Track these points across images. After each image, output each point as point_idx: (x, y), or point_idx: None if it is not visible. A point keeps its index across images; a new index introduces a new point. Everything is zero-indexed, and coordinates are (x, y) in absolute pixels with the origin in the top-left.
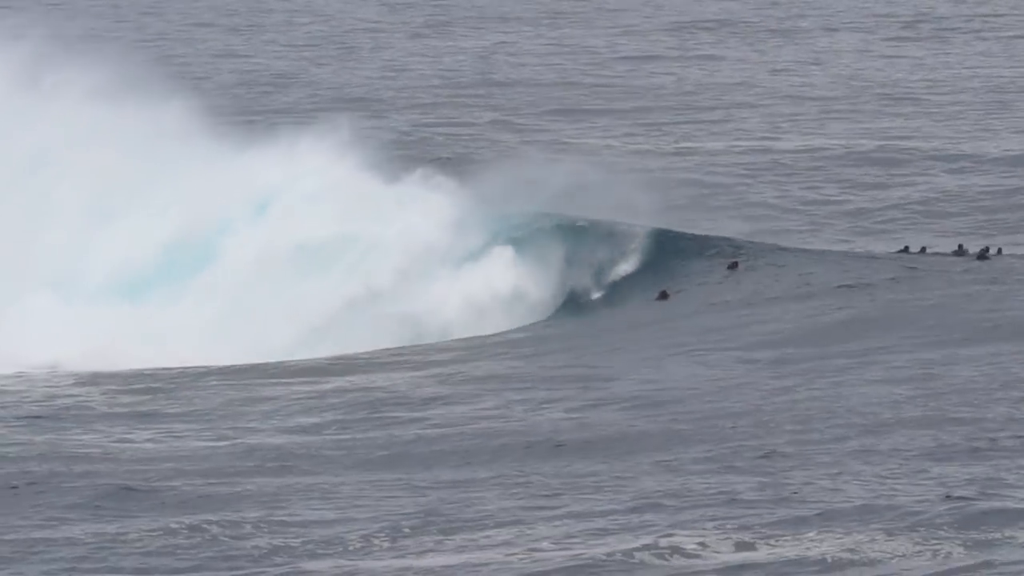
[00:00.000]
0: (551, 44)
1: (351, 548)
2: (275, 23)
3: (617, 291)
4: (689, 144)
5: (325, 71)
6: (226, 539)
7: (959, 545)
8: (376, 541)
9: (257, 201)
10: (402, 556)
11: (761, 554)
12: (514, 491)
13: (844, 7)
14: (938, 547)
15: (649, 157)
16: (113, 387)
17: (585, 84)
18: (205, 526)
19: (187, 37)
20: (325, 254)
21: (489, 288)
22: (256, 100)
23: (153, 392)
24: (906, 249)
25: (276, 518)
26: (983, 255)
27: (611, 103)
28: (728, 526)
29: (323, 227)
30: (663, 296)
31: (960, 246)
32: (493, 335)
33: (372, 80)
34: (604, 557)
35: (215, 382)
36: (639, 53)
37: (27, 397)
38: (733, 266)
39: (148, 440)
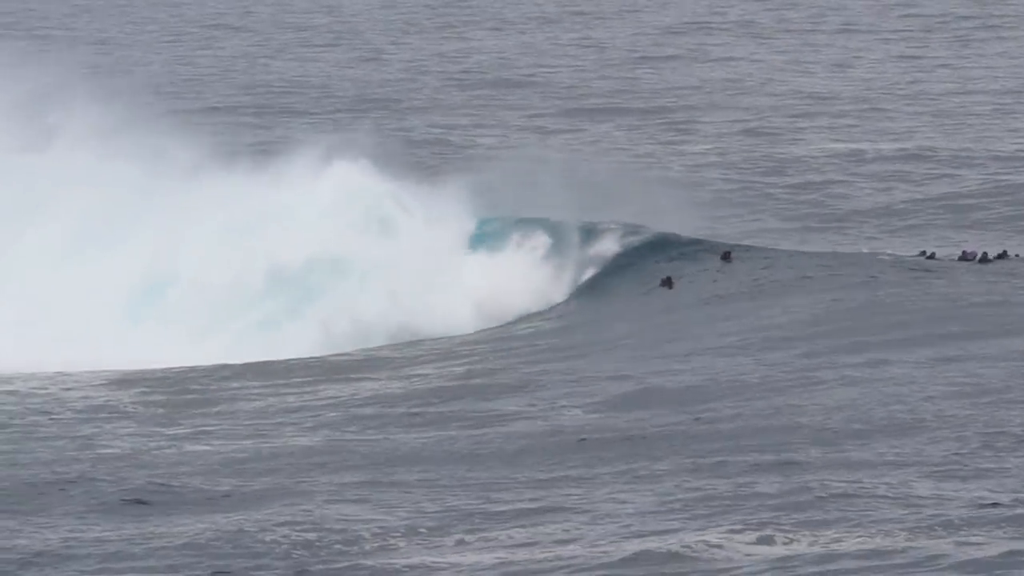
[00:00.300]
0: (570, 45)
1: (376, 547)
2: (293, 24)
3: (626, 285)
4: (707, 146)
5: (342, 72)
6: (254, 537)
7: (984, 544)
8: (401, 540)
9: (260, 222)
10: (427, 555)
11: (784, 553)
12: (538, 490)
13: (862, 8)
14: (963, 547)
15: (666, 157)
16: (142, 387)
17: (603, 84)
18: (233, 525)
19: (207, 36)
20: (327, 273)
21: (498, 292)
22: (274, 101)
23: (181, 392)
24: (923, 253)
25: (302, 517)
26: (985, 259)
27: (630, 103)
28: (753, 524)
29: (325, 246)
30: (667, 283)
31: (964, 252)
32: (507, 327)
33: (390, 81)
34: (632, 556)
35: (244, 381)
36: (660, 53)
37: (56, 398)
38: (726, 256)
39: (177, 440)
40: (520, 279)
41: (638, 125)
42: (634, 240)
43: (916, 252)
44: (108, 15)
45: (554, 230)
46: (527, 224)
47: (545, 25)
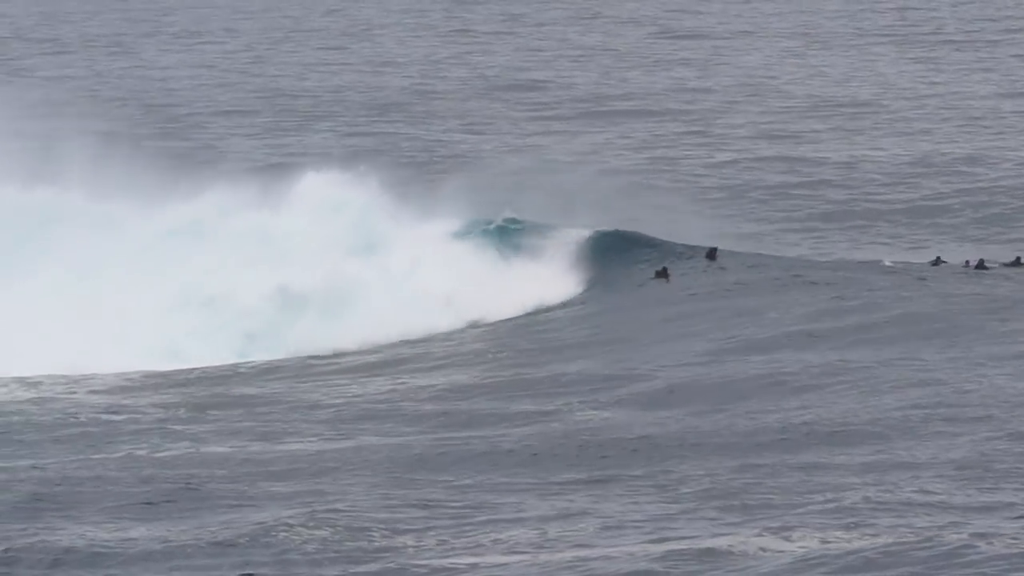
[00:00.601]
0: (584, 48)
1: (396, 546)
2: (305, 28)
3: (622, 282)
4: (718, 149)
5: (354, 76)
6: (277, 536)
7: (996, 537)
8: (422, 540)
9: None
10: (447, 556)
11: (806, 552)
12: (555, 493)
13: (877, 12)
14: (983, 544)
15: (678, 161)
16: (164, 389)
17: (617, 87)
18: (256, 525)
19: (219, 39)
20: (330, 295)
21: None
22: (287, 105)
23: (202, 393)
24: (937, 259)
25: (324, 517)
26: (982, 266)
27: (641, 106)
28: (775, 526)
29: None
30: (663, 274)
31: (967, 261)
32: (513, 320)
33: (403, 85)
34: (660, 556)
35: (264, 381)
36: (673, 57)
37: (80, 401)
38: (711, 255)
39: (199, 440)
40: (512, 282)
41: (648, 128)
42: (619, 240)
43: (932, 257)
44: (120, 17)
45: (547, 233)
46: (520, 228)
47: (558, 29)
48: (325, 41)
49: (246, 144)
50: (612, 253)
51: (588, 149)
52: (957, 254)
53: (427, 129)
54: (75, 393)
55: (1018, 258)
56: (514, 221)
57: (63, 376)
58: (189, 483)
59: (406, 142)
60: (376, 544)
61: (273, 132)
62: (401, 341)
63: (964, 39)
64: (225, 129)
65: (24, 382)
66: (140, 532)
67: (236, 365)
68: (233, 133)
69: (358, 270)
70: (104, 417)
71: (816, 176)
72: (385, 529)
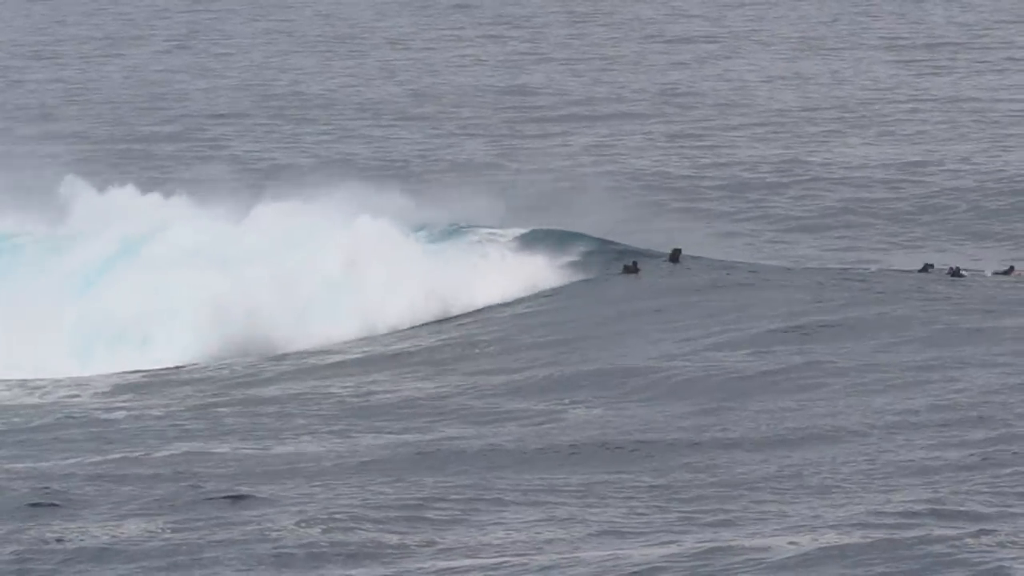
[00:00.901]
0: (580, 52)
1: (394, 547)
2: (300, 32)
3: (595, 280)
4: (715, 158)
5: (347, 80)
6: (277, 537)
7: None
8: (421, 540)
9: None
10: (446, 558)
11: (798, 552)
12: (554, 493)
13: (871, 16)
14: (984, 546)
15: (672, 163)
16: (164, 389)
17: (612, 91)
18: (257, 526)
19: (214, 41)
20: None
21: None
22: (281, 112)
23: (203, 392)
24: (929, 265)
25: (323, 518)
26: (957, 272)
27: (636, 109)
28: (770, 527)
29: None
30: (633, 268)
31: (951, 268)
32: (504, 307)
33: (398, 89)
34: (657, 557)
35: (267, 380)
36: (667, 62)
37: (80, 402)
38: (675, 257)
39: (201, 440)
40: (481, 280)
41: (645, 131)
42: (586, 241)
43: (921, 264)
44: (113, 20)
45: (520, 233)
46: (486, 229)
47: (553, 32)
48: (320, 45)
49: (239, 149)
50: (581, 253)
51: (581, 152)
52: (947, 259)
53: (423, 133)
54: (78, 396)
55: (1011, 267)
56: (476, 224)
57: (68, 378)
58: (191, 482)
59: (401, 146)
60: (375, 544)
61: (270, 136)
62: (391, 339)
63: (960, 42)
64: (219, 133)
65: (26, 385)
66: (144, 532)
67: (235, 365)
68: (226, 136)
69: (303, 277)
70: (105, 417)
71: (809, 177)
72: (383, 529)
